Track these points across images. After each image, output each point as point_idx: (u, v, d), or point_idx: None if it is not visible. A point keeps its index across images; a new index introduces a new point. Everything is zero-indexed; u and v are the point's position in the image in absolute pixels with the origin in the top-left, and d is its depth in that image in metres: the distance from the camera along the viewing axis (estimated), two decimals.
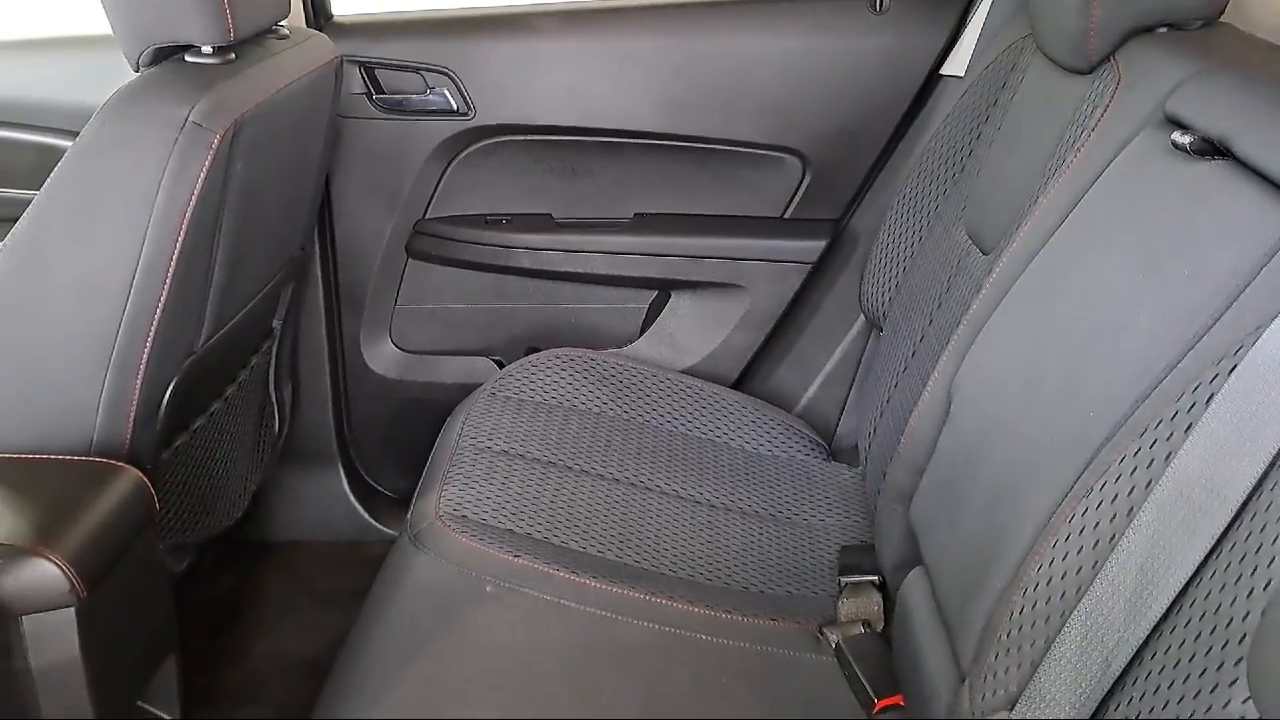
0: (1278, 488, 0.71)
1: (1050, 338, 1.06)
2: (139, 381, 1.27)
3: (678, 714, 1.15)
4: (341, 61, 1.64)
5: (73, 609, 1.05)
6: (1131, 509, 0.82)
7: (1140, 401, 0.88)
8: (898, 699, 1.20)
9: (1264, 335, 0.76)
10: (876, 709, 1.20)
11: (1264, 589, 0.69)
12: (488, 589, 1.28)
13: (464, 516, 1.40)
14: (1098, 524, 0.85)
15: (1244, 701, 0.67)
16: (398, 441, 2.08)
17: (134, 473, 1.19)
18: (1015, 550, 0.95)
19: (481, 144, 1.90)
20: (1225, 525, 0.74)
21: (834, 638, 1.31)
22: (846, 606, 1.38)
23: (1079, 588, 0.84)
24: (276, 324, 1.75)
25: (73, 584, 1.04)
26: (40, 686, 1.07)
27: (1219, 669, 0.70)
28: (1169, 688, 0.73)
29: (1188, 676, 0.72)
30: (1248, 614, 0.69)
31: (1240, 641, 0.69)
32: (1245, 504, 0.73)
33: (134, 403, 1.27)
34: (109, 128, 1.22)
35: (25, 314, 1.25)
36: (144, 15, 1.28)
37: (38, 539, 1.05)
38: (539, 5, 1.91)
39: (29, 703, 1.08)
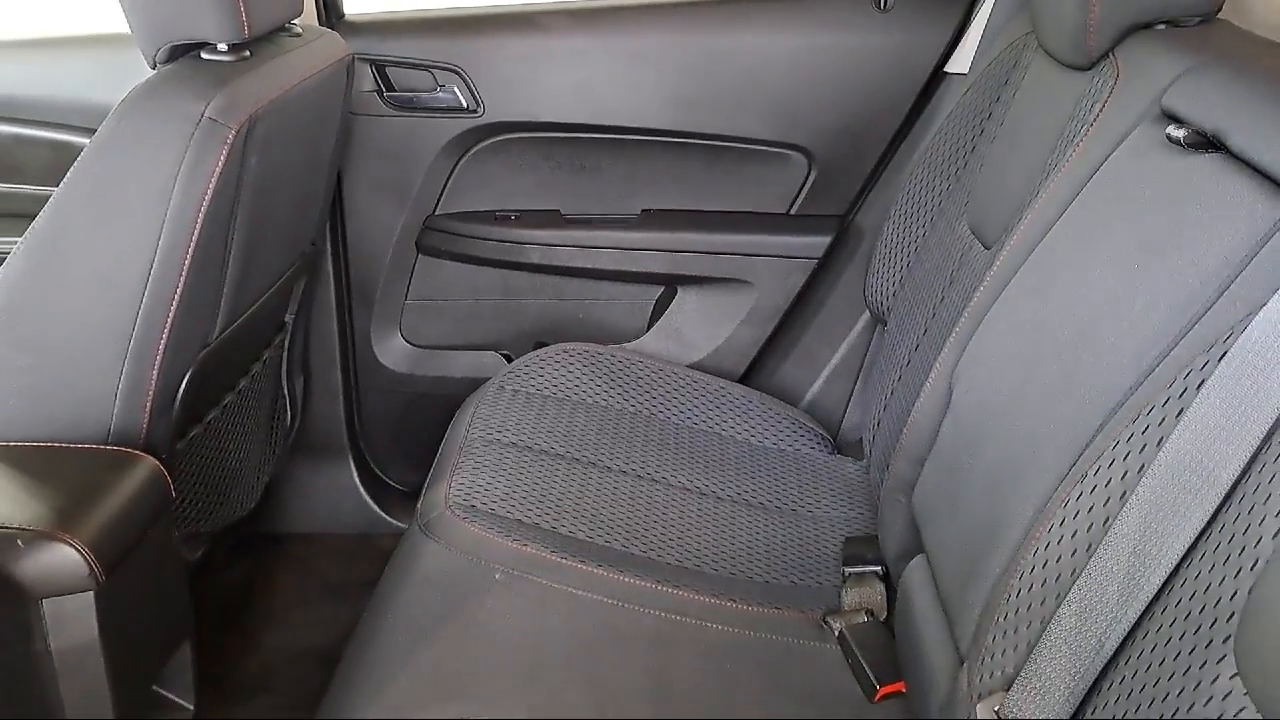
0: (1265, 470, 0.73)
1: (1048, 328, 1.08)
2: (155, 372, 1.29)
3: (683, 700, 1.16)
4: (353, 59, 1.67)
5: (92, 593, 1.07)
6: (1125, 493, 0.84)
7: (1134, 389, 0.90)
8: (899, 686, 1.22)
9: (1253, 322, 0.78)
10: (878, 696, 1.22)
11: (1251, 569, 0.71)
12: (497, 577, 1.30)
13: (473, 506, 1.43)
14: (1092, 508, 0.87)
15: (1231, 678, 0.69)
16: (407, 435, 2.10)
17: (151, 461, 1.22)
18: (1013, 535, 0.97)
19: (491, 141, 1.92)
20: (1215, 508, 0.76)
21: (837, 626, 1.32)
22: (850, 596, 1.40)
23: (1074, 570, 0.86)
24: (289, 318, 1.78)
25: (92, 568, 1.06)
26: (60, 668, 1.10)
27: (1208, 646, 0.72)
28: (1160, 665, 0.75)
29: (1178, 654, 0.74)
30: (1235, 593, 0.71)
31: (1229, 620, 0.71)
32: (1234, 487, 0.75)
33: (150, 393, 1.29)
34: (127, 123, 1.24)
35: (44, 306, 1.27)
36: (161, 13, 1.31)
37: (58, 524, 1.07)
38: (548, 3, 1.93)
39: (48, 684, 1.10)
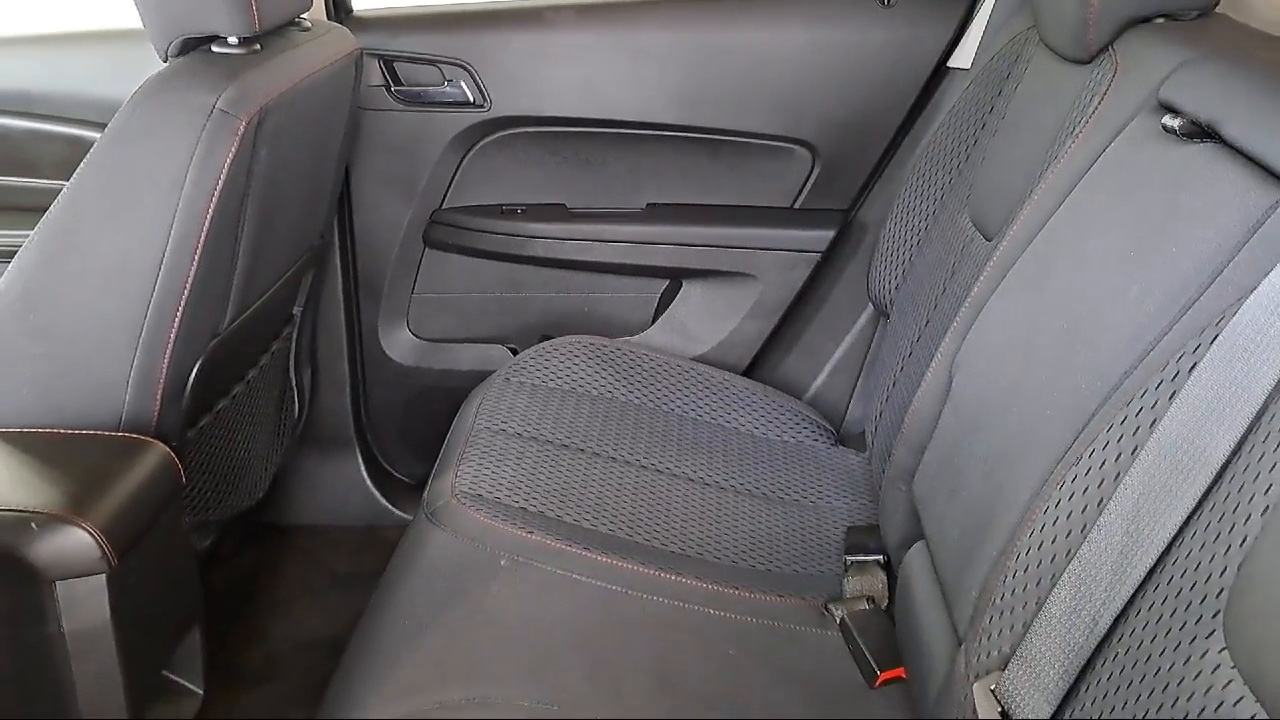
0: (1255, 450, 0.75)
1: (1045, 316, 1.09)
2: (166, 361, 1.31)
3: (686, 684, 1.18)
4: (361, 54, 1.68)
5: (104, 575, 1.09)
6: (1119, 474, 0.86)
7: (1128, 373, 0.91)
8: (900, 671, 1.23)
9: (1244, 306, 0.80)
10: (879, 681, 1.23)
11: (1240, 546, 0.72)
12: (502, 563, 1.32)
13: (479, 495, 1.44)
14: (1086, 489, 0.89)
15: (1220, 651, 0.71)
16: (414, 428, 2.12)
17: (162, 447, 1.24)
18: (1009, 518, 0.98)
19: (497, 135, 1.94)
20: (1206, 487, 0.77)
21: (839, 613, 1.34)
22: (852, 584, 1.41)
23: (1069, 550, 0.88)
24: (297, 310, 1.80)
25: (104, 551, 1.08)
26: (72, 650, 1.11)
27: (1198, 622, 0.73)
28: (1151, 642, 0.77)
29: (1169, 630, 0.76)
30: (1225, 569, 0.73)
31: (1218, 596, 0.72)
32: (1225, 466, 0.77)
33: (161, 381, 1.31)
34: (139, 115, 1.26)
35: (58, 295, 1.29)
36: (173, 7, 1.33)
37: (71, 508, 1.09)
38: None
39: (61, 666, 1.12)
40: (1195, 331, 0.85)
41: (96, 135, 1.30)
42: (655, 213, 1.99)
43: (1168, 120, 1.04)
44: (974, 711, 0.92)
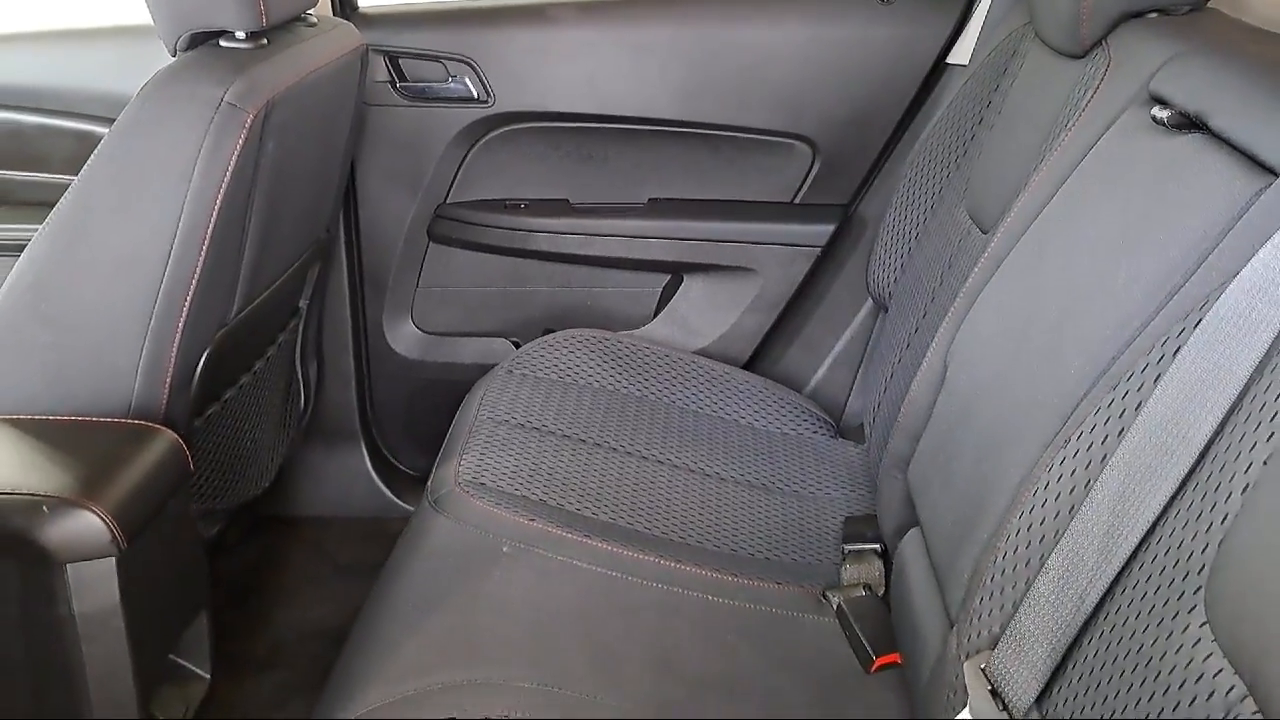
0: (1236, 430, 0.77)
1: (1037, 304, 1.11)
2: (175, 350, 1.33)
3: (684, 668, 1.20)
4: (367, 50, 1.71)
5: (113, 559, 1.11)
6: (1105, 455, 0.88)
7: (1116, 358, 0.93)
8: (895, 657, 1.25)
9: (1227, 290, 0.81)
10: (875, 667, 1.25)
11: (1221, 523, 0.74)
12: (504, 550, 1.34)
13: (482, 483, 1.46)
14: (1074, 471, 0.91)
15: (1201, 625, 0.73)
16: (418, 420, 2.14)
17: (170, 434, 1.26)
18: (1000, 501, 1.00)
19: (501, 131, 1.96)
20: (1190, 467, 0.79)
21: (836, 600, 1.35)
22: (849, 572, 1.43)
23: (1057, 531, 0.90)
24: (303, 303, 1.82)
25: (114, 535, 1.10)
26: (82, 632, 1.13)
27: (1180, 598, 0.75)
28: (1136, 618, 0.79)
29: (1153, 607, 0.77)
30: (1206, 546, 0.74)
31: (1200, 572, 0.74)
32: (1208, 447, 0.78)
33: (170, 370, 1.33)
34: (149, 107, 1.28)
35: (68, 284, 1.31)
36: (182, 2, 1.35)
37: (82, 492, 1.11)
38: None
39: (71, 649, 1.14)
40: (1180, 316, 0.87)
41: (105, 130, 1.31)
42: (657, 207, 2.01)
43: (1157, 112, 1.06)
44: (965, 690, 0.94)
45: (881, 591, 1.39)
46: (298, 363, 1.88)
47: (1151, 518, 0.80)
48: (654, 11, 1.93)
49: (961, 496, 1.10)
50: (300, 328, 1.84)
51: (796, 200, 2.00)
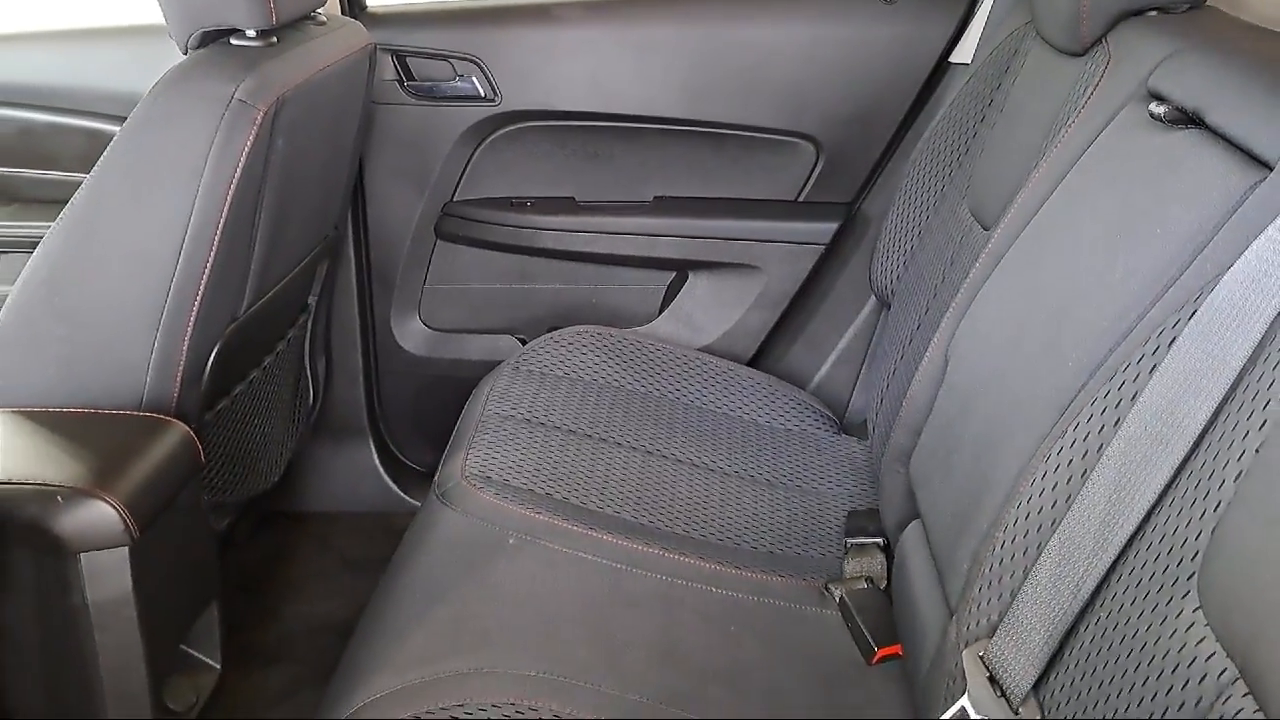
0: (1230, 419, 0.78)
1: (1036, 298, 1.13)
2: (185, 344, 1.35)
3: (688, 658, 1.21)
4: (375, 49, 1.72)
5: (126, 548, 1.13)
6: (1101, 446, 0.89)
7: (1113, 350, 0.95)
8: (896, 648, 1.27)
9: (1221, 282, 0.83)
10: (876, 658, 1.27)
11: (1214, 511, 0.75)
12: (510, 541, 1.35)
13: (488, 477, 1.48)
14: (1071, 461, 0.92)
15: (1195, 611, 0.74)
16: (425, 417, 2.15)
17: (182, 427, 1.27)
18: (999, 492, 1.01)
19: (507, 129, 1.98)
20: (1184, 456, 0.80)
21: (838, 592, 1.37)
22: (851, 565, 1.44)
23: (1054, 520, 0.91)
24: (312, 300, 1.84)
25: (127, 524, 1.12)
26: (95, 621, 1.15)
27: (1174, 585, 0.76)
28: (1131, 605, 0.80)
29: (1148, 594, 0.79)
30: (1200, 534, 0.76)
31: (1194, 559, 0.76)
32: (1201, 436, 0.80)
33: (181, 364, 1.35)
34: (160, 104, 1.30)
35: (81, 279, 1.33)
36: (194, 1, 1.37)
37: (95, 482, 1.13)
38: None
39: (85, 637, 1.16)
40: (1175, 308, 0.89)
41: (116, 129, 1.33)
42: (662, 205, 2.03)
43: (1155, 108, 1.08)
44: (963, 678, 0.96)
45: (884, 584, 1.41)
46: (306, 359, 1.90)
47: (1147, 506, 0.82)
48: (659, 11, 1.95)
49: (961, 489, 1.11)
50: (309, 324, 1.85)
51: (800, 198, 2.01)
